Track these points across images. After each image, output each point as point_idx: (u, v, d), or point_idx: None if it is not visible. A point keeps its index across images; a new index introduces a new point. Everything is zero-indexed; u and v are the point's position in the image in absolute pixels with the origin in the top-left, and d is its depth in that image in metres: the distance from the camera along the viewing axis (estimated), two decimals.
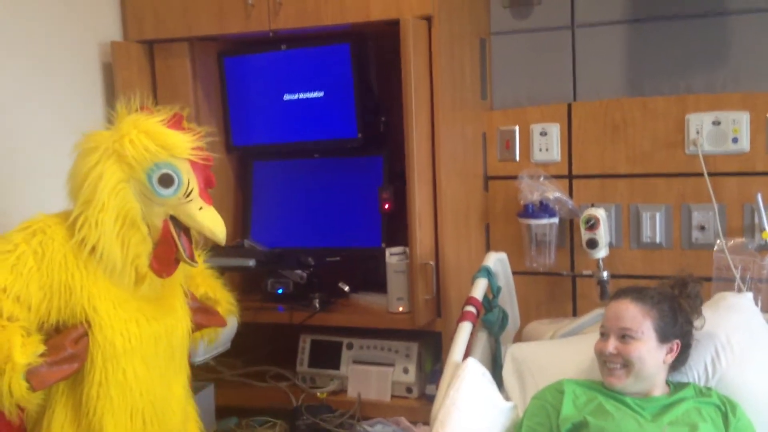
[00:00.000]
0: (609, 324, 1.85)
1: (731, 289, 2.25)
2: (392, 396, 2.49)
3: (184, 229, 1.70)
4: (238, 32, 2.56)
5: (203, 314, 1.95)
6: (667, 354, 1.83)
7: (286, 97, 2.73)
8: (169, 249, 1.69)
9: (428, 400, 2.38)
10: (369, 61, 2.70)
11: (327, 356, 2.60)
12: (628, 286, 1.96)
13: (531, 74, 2.71)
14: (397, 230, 2.52)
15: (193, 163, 1.68)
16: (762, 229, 2.34)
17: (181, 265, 1.79)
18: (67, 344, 1.61)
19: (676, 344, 1.84)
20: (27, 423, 1.70)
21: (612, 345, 1.82)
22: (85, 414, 1.66)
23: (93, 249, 1.64)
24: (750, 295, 2.14)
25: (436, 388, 1.92)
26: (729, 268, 2.32)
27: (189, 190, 1.66)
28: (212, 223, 1.68)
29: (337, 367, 2.58)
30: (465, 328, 2.01)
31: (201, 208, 1.68)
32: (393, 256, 2.46)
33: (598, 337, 1.91)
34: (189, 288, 1.93)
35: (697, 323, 1.91)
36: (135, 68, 2.63)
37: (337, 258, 2.71)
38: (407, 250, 2.41)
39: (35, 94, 2.36)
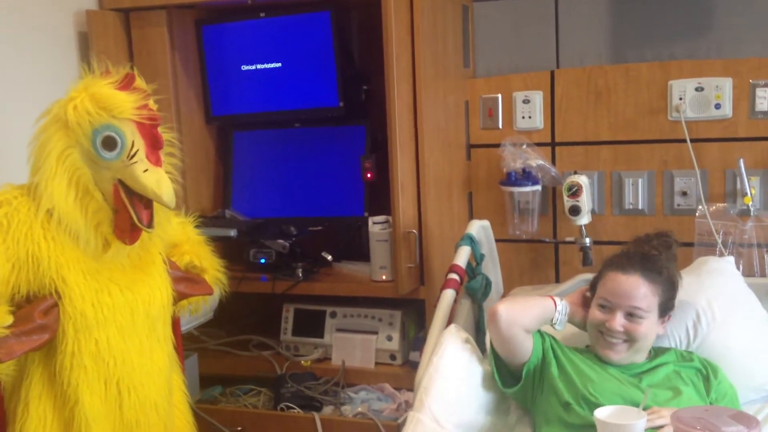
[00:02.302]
0: (616, 300, 1.80)
1: (713, 254, 2.26)
2: (376, 363, 2.51)
3: (139, 195, 1.64)
4: (217, 0, 2.52)
5: (187, 283, 1.92)
6: (661, 326, 1.85)
7: (266, 65, 2.70)
8: (124, 215, 1.64)
9: (412, 367, 2.39)
10: (350, 29, 2.68)
11: (310, 325, 2.60)
12: (630, 252, 1.92)
13: (514, 42, 2.69)
14: (380, 199, 2.51)
15: (138, 124, 1.62)
16: (744, 194, 2.35)
17: (160, 234, 1.77)
18: (35, 315, 1.59)
19: (668, 316, 1.85)
20: (4, 393, 1.69)
21: (619, 321, 1.78)
22: (60, 384, 1.64)
23: (56, 218, 1.61)
24: (731, 259, 2.16)
25: (420, 355, 1.92)
26: (711, 233, 2.34)
27: (133, 152, 1.60)
28: (156, 184, 1.61)
29: (320, 335, 2.59)
30: (448, 296, 2.02)
31: (146, 170, 1.61)
32: (376, 224, 2.45)
33: None
34: (173, 256, 1.91)
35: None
36: (111, 37, 2.59)
37: (320, 227, 2.71)
38: (390, 218, 2.40)
39: (7, 64, 2.32)
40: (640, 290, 1.79)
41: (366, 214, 2.56)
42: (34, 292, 1.62)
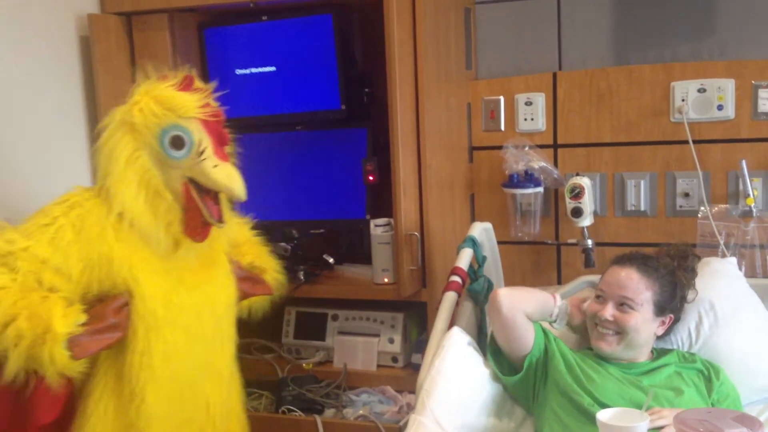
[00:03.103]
0: (609, 289, 1.84)
1: (715, 256, 2.25)
2: (378, 366, 2.50)
3: (208, 191, 1.67)
4: (218, 3, 2.52)
5: (250, 283, 1.95)
6: (659, 326, 1.84)
7: (267, 68, 2.70)
8: (194, 213, 1.67)
9: (414, 369, 2.38)
10: (352, 32, 2.68)
11: (312, 328, 2.60)
12: (634, 252, 1.93)
13: (516, 44, 2.69)
14: (382, 202, 2.50)
15: (204, 122, 1.65)
16: (746, 196, 2.35)
17: (223, 233, 1.80)
18: (108, 314, 1.61)
19: (669, 318, 1.85)
20: (81, 385, 1.71)
21: (609, 311, 1.81)
22: (127, 382, 1.66)
23: (127, 221, 1.63)
24: (734, 260, 2.16)
25: (422, 358, 1.92)
26: (713, 234, 2.33)
27: (201, 149, 1.64)
28: (228, 179, 1.64)
29: (322, 338, 2.58)
30: (450, 298, 2.02)
31: (216, 166, 1.64)
32: (378, 227, 2.45)
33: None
34: (235, 256, 1.93)
35: (689, 296, 1.91)
36: (113, 41, 2.59)
37: (322, 230, 2.70)
38: (392, 221, 2.40)
39: (9, 68, 2.32)
40: (632, 281, 1.81)
41: (368, 217, 2.56)
42: (105, 292, 1.65)
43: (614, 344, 1.81)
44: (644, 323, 1.80)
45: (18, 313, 1.52)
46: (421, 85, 2.35)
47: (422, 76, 2.35)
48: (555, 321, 1.85)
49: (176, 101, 1.64)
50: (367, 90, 2.67)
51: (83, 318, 1.58)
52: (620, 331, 1.80)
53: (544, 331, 1.86)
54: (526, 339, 1.80)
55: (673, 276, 1.87)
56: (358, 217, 2.62)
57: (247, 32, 2.71)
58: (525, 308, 1.81)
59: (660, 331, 1.85)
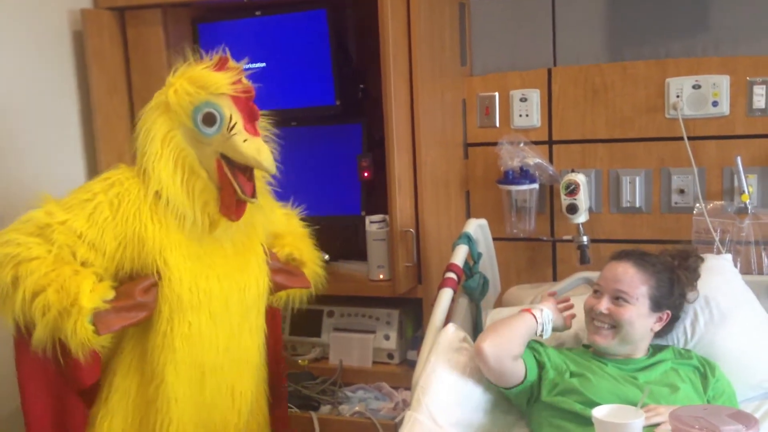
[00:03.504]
0: (605, 284, 1.84)
1: (711, 252, 2.26)
2: (374, 362, 2.50)
3: (241, 168, 1.69)
4: None
5: (285, 275, 1.96)
6: (656, 322, 1.84)
7: (261, 64, 2.69)
8: (229, 191, 1.69)
9: (410, 366, 2.38)
10: (346, 28, 2.67)
11: (308, 324, 2.60)
12: (632, 248, 1.93)
13: (511, 40, 2.69)
14: (377, 198, 2.50)
15: (234, 98, 1.68)
16: (741, 192, 2.35)
17: (263, 223, 1.83)
18: (136, 293, 1.65)
19: (666, 314, 1.85)
20: (108, 361, 1.75)
21: (604, 305, 1.81)
22: (149, 362, 1.70)
23: (163, 200, 1.67)
24: (729, 257, 2.16)
25: (418, 355, 1.92)
26: (708, 231, 2.33)
27: (232, 125, 1.66)
28: (257, 152, 1.66)
29: (318, 335, 2.58)
30: (446, 295, 2.02)
31: (246, 140, 1.66)
32: (373, 224, 2.45)
33: (578, 302, 1.92)
34: (274, 247, 1.95)
35: (690, 296, 1.91)
36: (106, 36, 2.57)
37: (317, 226, 2.68)
38: (387, 217, 2.39)
39: (3, 64, 2.31)
40: (628, 275, 1.82)
41: (363, 213, 2.55)
42: (137, 271, 1.68)
43: (609, 338, 1.81)
44: (639, 317, 1.80)
45: (48, 285, 1.57)
46: (416, 81, 2.35)
47: (417, 71, 2.34)
48: (543, 334, 1.84)
49: (208, 79, 1.68)
50: (361, 86, 2.66)
51: (111, 294, 1.63)
52: (615, 325, 1.80)
53: (534, 349, 1.86)
54: (517, 376, 1.79)
55: (672, 273, 1.87)
56: (354, 213, 2.61)
57: (241, 27, 2.70)
58: (512, 352, 1.77)
59: (657, 327, 1.85)
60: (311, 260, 2.04)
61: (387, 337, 2.50)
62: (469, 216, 2.71)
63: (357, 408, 2.35)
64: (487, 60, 2.72)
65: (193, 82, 1.68)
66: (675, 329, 1.95)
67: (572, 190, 2.45)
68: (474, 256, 2.16)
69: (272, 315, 2.03)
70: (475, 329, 2.17)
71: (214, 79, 1.68)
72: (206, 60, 1.75)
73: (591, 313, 1.84)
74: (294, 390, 2.40)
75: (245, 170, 1.70)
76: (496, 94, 2.67)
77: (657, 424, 1.60)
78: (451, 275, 2.06)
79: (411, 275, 2.40)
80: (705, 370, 1.83)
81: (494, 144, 2.59)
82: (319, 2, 2.56)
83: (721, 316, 1.96)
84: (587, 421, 1.58)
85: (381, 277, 2.44)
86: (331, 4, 2.56)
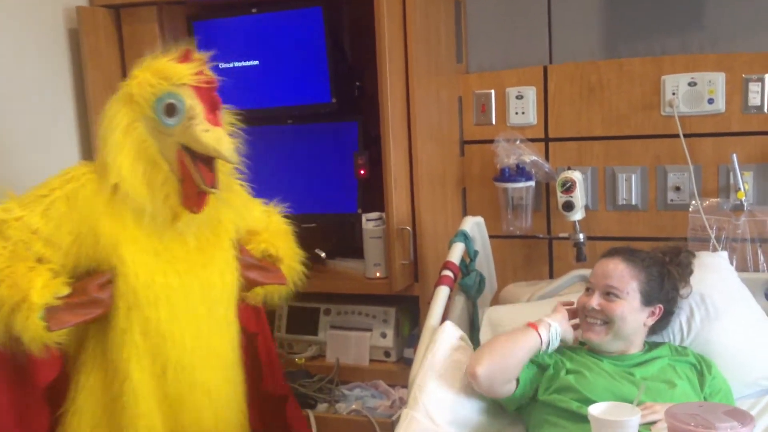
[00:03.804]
0: (596, 280, 1.85)
1: (706, 249, 2.26)
2: (370, 360, 2.51)
3: (203, 159, 1.68)
4: None
5: (259, 271, 1.94)
6: (648, 317, 1.84)
7: (257, 61, 2.69)
8: (190, 182, 1.69)
9: (406, 363, 2.38)
10: (342, 25, 2.66)
11: (305, 322, 2.60)
12: (622, 246, 1.94)
13: (507, 37, 2.69)
14: (374, 196, 2.50)
15: (196, 89, 1.67)
16: (737, 189, 2.35)
17: (232, 218, 1.82)
18: (91, 289, 1.64)
19: (658, 308, 1.85)
20: (67, 361, 1.74)
21: (596, 301, 1.82)
22: (112, 359, 1.69)
23: (121, 193, 1.65)
24: (725, 254, 2.16)
25: (414, 352, 1.92)
26: (704, 228, 2.34)
27: (193, 115, 1.66)
28: (216, 142, 1.65)
29: (315, 332, 2.58)
30: (442, 292, 2.01)
31: (206, 130, 1.65)
32: (369, 221, 2.45)
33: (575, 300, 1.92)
34: (250, 243, 1.94)
35: (683, 291, 1.91)
36: (102, 34, 2.57)
37: (313, 224, 2.69)
38: (383, 215, 2.39)
39: None
40: (617, 271, 1.82)
41: (359, 211, 2.55)
42: (94, 267, 1.67)
43: (602, 334, 1.82)
44: (631, 312, 1.81)
45: (2, 281, 1.56)
46: (412, 79, 2.35)
47: (413, 69, 2.34)
48: (547, 349, 1.83)
49: (170, 70, 1.67)
50: (357, 83, 2.66)
51: (65, 291, 1.62)
52: (607, 321, 1.81)
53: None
54: (508, 391, 1.78)
55: (662, 267, 1.88)
56: (350, 211, 2.61)
57: (237, 25, 2.69)
58: (505, 378, 1.74)
59: (650, 322, 1.85)
60: (288, 256, 2.02)
61: (384, 335, 2.50)
62: (465, 214, 2.71)
63: (354, 406, 2.35)
64: (483, 57, 2.72)
65: (155, 74, 1.67)
66: (671, 326, 1.95)
67: (568, 187, 2.45)
68: (470, 254, 2.16)
69: (256, 313, 2.02)
70: (472, 327, 2.17)
71: (176, 70, 1.67)
72: (172, 52, 1.73)
73: (584, 311, 1.84)
74: (291, 388, 2.40)
75: (206, 161, 1.68)
76: (492, 91, 2.67)
77: (654, 422, 1.60)
78: (448, 273, 2.05)
79: (407, 273, 2.40)
80: (701, 368, 1.83)
81: (490, 141, 2.60)
82: (315, 0, 2.55)
83: (717, 314, 1.96)
84: (584, 419, 1.58)
85: (378, 274, 2.45)
86: (327, 2, 2.55)
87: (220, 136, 1.66)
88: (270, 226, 2.02)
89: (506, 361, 1.74)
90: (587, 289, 1.87)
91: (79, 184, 1.67)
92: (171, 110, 1.65)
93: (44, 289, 1.58)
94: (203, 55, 1.73)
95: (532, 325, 1.80)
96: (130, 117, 1.67)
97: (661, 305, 1.85)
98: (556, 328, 1.80)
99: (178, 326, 1.73)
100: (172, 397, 1.74)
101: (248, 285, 1.92)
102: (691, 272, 1.94)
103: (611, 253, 1.89)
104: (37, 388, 1.71)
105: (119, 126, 1.67)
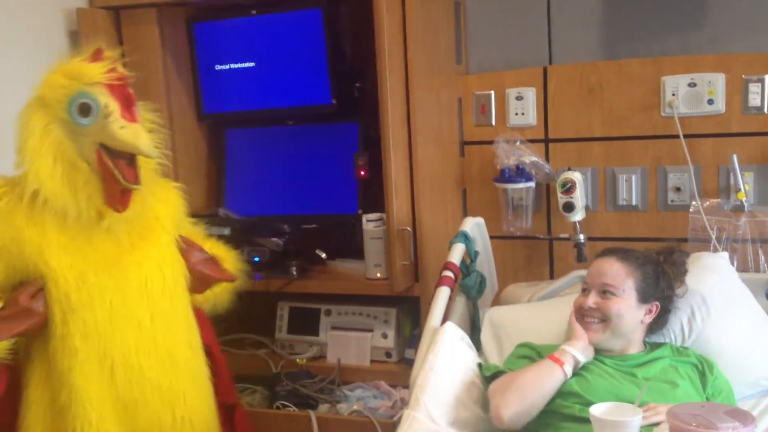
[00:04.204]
0: (591, 280, 1.86)
1: (707, 250, 2.27)
2: (371, 361, 2.51)
3: (122, 156, 1.67)
4: None
5: (212, 265, 1.94)
6: (645, 314, 1.85)
7: (257, 63, 2.69)
8: (111, 181, 1.67)
9: (407, 364, 2.38)
10: (342, 26, 2.67)
11: (305, 323, 2.60)
12: (616, 246, 1.95)
13: (506, 38, 2.69)
14: (374, 196, 2.50)
15: (109, 86, 1.66)
16: (737, 190, 2.35)
17: (170, 213, 1.82)
18: (21, 299, 1.63)
19: (655, 306, 1.86)
20: (15, 378, 1.72)
21: (592, 300, 1.83)
22: (54, 368, 1.67)
23: (41, 199, 1.64)
24: (725, 254, 2.17)
25: (415, 353, 1.92)
26: (705, 228, 2.34)
27: (108, 113, 1.65)
28: (134, 137, 1.64)
29: (316, 333, 2.58)
30: (443, 293, 2.02)
31: (123, 127, 1.64)
32: (370, 222, 2.45)
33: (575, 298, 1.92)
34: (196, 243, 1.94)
35: (679, 290, 1.92)
36: (101, 36, 2.53)
37: (314, 225, 2.70)
38: (384, 216, 2.40)
39: None
40: (612, 269, 1.83)
41: (360, 212, 2.55)
42: (23, 279, 1.66)
43: (600, 332, 1.82)
44: (628, 310, 1.81)
45: None
46: (412, 80, 2.35)
47: (412, 70, 2.35)
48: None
49: (81, 70, 1.66)
50: (357, 84, 2.66)
51: None
52: (604, 319, 1.81)
53: (530, 359, 1.85)
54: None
55: (656, 265, 1.89)
56: (350, 212, 2.62)
57: (236, 27, 2.70)
58: (531, 417, 1.72)
59: (647, 320, 1.86)
60: (229, 256, 2.02)
61: (385, 336, 2.50)
62: (465, 214, 2.71)
63: (355, 407, 2.35)
64: (483, 58, 2.72)
65: (66, 75, 1.66)
66: (672, 327, 1.96)
67: (569, 188, 2.45)
68: (471, 255, 2.16)
69: (207, 325, 2.01)
70: (473, 327, 2.17)
71: (86, 70, 1.66)
72: (83, 53, 1.73)
73: (581, 311, 1.85)
74: (292, 389, 2.41)
75: (127, 158, 1.67)
76: (492, 92, 2.67)
77: (656, 424, 1.61)
78: (448, 274, 2.06)
79: (408, 274, 2.40)
80: (703, 368, 1.84)
81: (490, 142, 2.60)
82: (315, 1, 2.56)
83: (718, 314, 1.97)
84: (586, 421, 1.58)
85: (378, 275, 2.45)
86: (327, 3, 2.56)
87: (138, 132, 1.65)
88: (200, 235, 2.03)
89: (533, 403, 1.72)
90: (583, 290, 1.88)
91: None
92: (85, 110, 1.64)
93: None
94: (114, 53, 1.72)
95: (556, 360, 1.76)
96: (44, 121, 1.66)
97: (657, 303, 1.86)
98: (580, 361, 1.78)
99: (119, 326, 1.71)
100: (126, 399, 1.73)
101: (203, 282, 1.91)
102: (685, 271, 1.95)
103: (605, 253, 1.90)
104: None
105: (34, 131, 1.65)
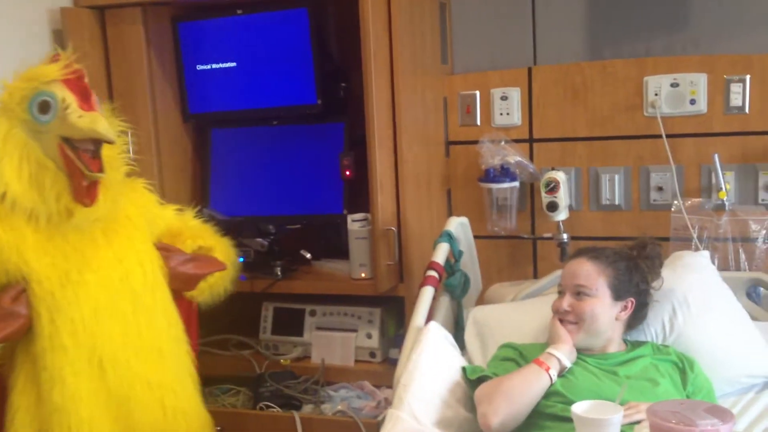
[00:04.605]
0: (565, 282, 1.87)
1: (688, 249, 2.28)
2: (356, 361, 2.51)
3: (85, 147, 1.69)
4: None
5: (195, 263, 1.94)
6: (621, 311, 1.86)
7: (243, 62, 2.69)
8: (77, 175, 1.68)
9: (392, 364, 2.38)
10: (327, 26, 2.67)
11: (290, 323, 2.60)
12: (587, 246, 1.98)
13: (491, 38, 2.70)
14: (359, 197, 2.50)
15: (65, 81, 1.69)
16: (718, 189, 2.37)
17: (143, 213, 1.83)
18: (3, 302, 1.63)
19: (630, 302, 1.87)
20: (6, 381, 1.72)
21: (566, 302, 1.84)
22: (43, 368, 1.67)
23: (9, 201, 1.65)
24: (707, 253, 2.18)
25: (400, 353, 1.93)
26: (686, 227, 2.36)
27: (66, 106, 1.67)
28: (91, 123, 1.66)
29: (300, 333, 2.58)
30: (427, 293, 2.02)
31: (80, 116, 1.67)
32: (355, 222, 2.45)
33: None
34: (177, 245, 1.94)
35: (654, 284, 1.93)
36: (86, 35, 2.55)
37: (299, 225, 2.70)
38: (369, 216, 2.40)
39: None
40: (583, 269, 1.84)
41: (345, 212, 2.56)
42: (4, 283, 1.66)
43: (575, 333, 1.83)
44: (602, 308, 1.82)
45: None
46: (397, 80, 2.35)
47: (398, 70, 2.35)
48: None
49: (37, 72, 1.70)
50: (343, 84, 2.67)
51: None
52: (578, 320, 1.82)
53: (514, 361, 1.86)
54: None
55: (628, 261, 1.89)
56: (335, 212, 2.62)
57: (222, 26, 2.69)
58: (518, 422, 1.72)
59: (623, 317, 1.87)
60: (219, 244, 2.04)
61: (369, 336, 2.50)
62: (450, 214, 2.72)
63: (339, 407, 2.35)
64: (468, 59, 2.73)
65: (23, 79, 1.70)
66: (652, 324, 1.97)
67: (552, 187, 2.46)
68: (455, 254, 2.17)
69: (187, 306, 2.01)
70: (457, 327, 2.18)
71: (43, 70, 1.70)
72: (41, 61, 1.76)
73: (558, 314, 1.86)
74: (276, 389, 2.40)
75: (90, 151, 1.69)
76: (477, 92, 2.68)
77: (637, 422, 1.62)
78: (433, 273, 2.06)
79: (393, 273, 2.41)
80: (684, 366, 1.85)
81: (475, 142, 2.61)
82: (301, 1, 2.56)
83: (699, 313, 1.98)
84: (569, 420, 1.58)
85: (363, 275, 2.45)
86: (313, 3, 2.56)
87: (95, 119, 1.67)
88: (188, 224, 2.04)
89: (520, 409, 1.72)
90: (559, 292, 1.89)
91: None
92: (45, 107, 1.67)
93: None
94: (69, 54, 1.74)
95: (542, 364, 1.76)
96: (6, 125, 1.68)
97: (632, 299, 1.87)
98: (565, 366, 1.78)
99: (105, 322, 1.72)
100: (118, 396, 1.73)
101: (189, 281, 1.93)
102: (660, 264, 1.96)
103: (576, 254, 1.92)
104: None
105: None
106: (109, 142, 1.70)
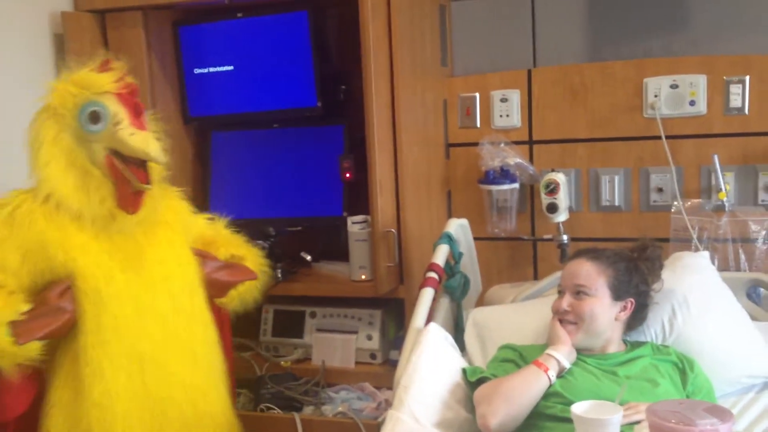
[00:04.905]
0: (565, 282, 1.88)
1: (688, 250, 2.28)
2: (356, 362, 2.51)
3: (134, 161, 1.72)
4: (193, 0, 2.51)
5: (228, 270, 1.97)
6: (620, 311, 1.86)
7: (243, 66, 2.69)
8: (123, 183, 1.72)
9: (392, 365, 2.38)
10: (327, 29, 2.68)
11: (290, 325, 2.60)
12: (586, 247, 1.98)
13: (491, 40, 2.71)
14: (359, 199, 2.51)
15: (118, 95, 1.72)
16: (718, 190, 2.38)
17: (182, 221, 1.87)
18: (51, 298, 1.66)
19: (630, 302, 1.87)
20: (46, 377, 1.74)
21: (566, 302, 1.84)
22: (84, 364, 1.69)
23: (54, 203, 1.69)
24: (706, 254, 2.18)
25: (400, 354, 1.93)
26: (686, 228, 2.36)
27: (117, 121, 1.70)
28: (144, 143, 1.70)
29: (300, 335, 2.58)
30: (427, 294, 2.02)
31: (132, 134, 1.70)
32: (355, 224, 2.45)
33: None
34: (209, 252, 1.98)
35: (655, 285, 1.93)
36: (87, 39, 2.56)
37: (299, 228, 2.70)
38: (369, 218, 2.40)
39: None
40: (583, 269, 1.85)
41: (345, 214, 2.56)
42: (51, 278, 1.69)
43: (574, 333, 1.83)
44: (602, 308, 1.82)
45: None
46: (397, 82, 2.36)
47: (398, 72, 2.36)
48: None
49: (90, 80, 1.72)
50: (343, 87, 2.67)
51: (25, 306, 1.64)
52: (578, 320, 1.83)
53: (513, 362, 1.87)
54: None
55: (628, 262, 1.90)
56: (336, 214, 2.62)
57: (222, 29, 2.70)
58: (518, 423, 1.72)
59: (623, 317, 1.87)
60: (251, 253, 2.06)
61: (369, 338, 2.50)
62: (450, 216, 2.72)
63: (340, 408, 2.35)
64: (468, 61, 2.74)
65: (75, 84, 1.73)
66: (652, 325, 1.97)
67: (552, 189, 2.47)
68: (455, 256, 2.17)
69: (218, 313, 2.02)
70: (457, 328, 2.18)
71: (96, 79, 1.72)
72: (90, 64, 1.78)
73: (558, 314, 1.86)
74: (276, 391, 2.41)
75: (138, 163, 1.73)
76: (477, 94, 2.68)
77: (637, 422, 1.62)
78: (433, 275, 2.07)
79: (393, 275, 2.41)
80: (683, 366, 1.85)
81: (475, 144, 2.61)
82: (301, 4, 2.56)
83: (699, 313, 1.98)
84: (569, 420, 1.58)
85: (363, 277, 2.45)
86: (313, 6, 2.57)
87: (147, 139, 1.71)
88: (220, 233, 2.06)
89: (520, 410, 1.72)
90: (559, 293, 1.89)
91: (13, 206, 1.70)
92: (95, 118, 1.70)
93: (4, 307, 1.61)
94: (121, 64, 1.77)
95: (541, 365, 1.76)
96: (55, 128, 1.72)
97: (632, 299, 1.87)
98: (564, 367, 1.78)
99: (147, 321, 1.75)
100: (154, 394, 1.75)
101: (221, 288, 1.95)
102: (660, 266, 1.96)
103: (576, 255, 1.92)
104: (6, 419, 1.70)
105: (45, 139, 1.71)
106: (159, 163, 1.74)
